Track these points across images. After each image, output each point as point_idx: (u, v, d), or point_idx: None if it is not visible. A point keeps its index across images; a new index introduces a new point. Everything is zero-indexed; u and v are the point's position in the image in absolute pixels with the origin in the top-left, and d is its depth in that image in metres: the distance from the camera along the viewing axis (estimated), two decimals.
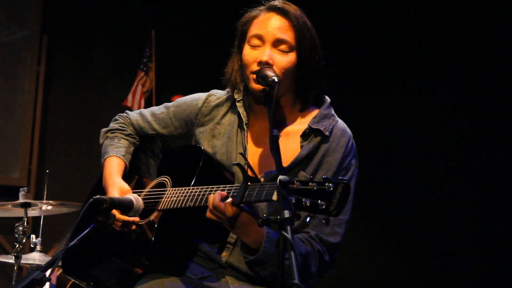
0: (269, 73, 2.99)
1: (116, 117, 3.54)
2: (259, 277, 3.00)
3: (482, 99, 7.41)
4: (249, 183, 2.73)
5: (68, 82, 7.70)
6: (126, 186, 3.20)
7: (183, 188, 3.01)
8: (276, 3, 3.19)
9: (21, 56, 7.55)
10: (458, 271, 7.29)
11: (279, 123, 3.19)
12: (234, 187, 2.81)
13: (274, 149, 2.68)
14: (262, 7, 3.21)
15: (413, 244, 7.37)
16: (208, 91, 3.45)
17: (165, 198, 3.06)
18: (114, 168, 3.31)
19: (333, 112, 3.25)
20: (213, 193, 2.85)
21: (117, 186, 3.19)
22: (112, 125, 3.50)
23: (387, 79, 7.54)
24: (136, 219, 3.05)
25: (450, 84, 7.46)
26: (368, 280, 7.42)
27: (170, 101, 3.52)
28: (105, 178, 3.28)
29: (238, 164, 2.79)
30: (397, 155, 7.40)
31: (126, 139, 3.44)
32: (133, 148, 3.43)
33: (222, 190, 2.84)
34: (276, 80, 2.94)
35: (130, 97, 7.40)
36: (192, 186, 3.00)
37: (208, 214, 2.85)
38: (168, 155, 3.47)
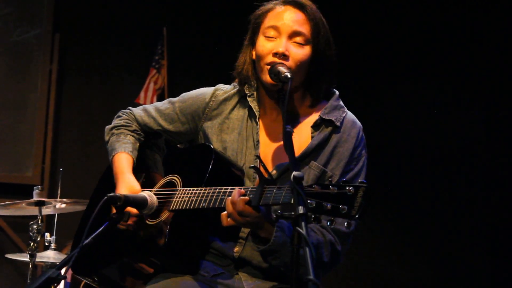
0: (282, 69, 2.99)
1: (119, 113, 3.52)
2: (271, 266, 2.99)
3: (491, 95, 7.40)
4: (265, 186, 2.72)
5: (80, 80, 7.72)
6: (136, 186, 3.18)
7: (195, 188, 2.99)
8: None
9: (34, 55, 7.57)
10: (471, 266, 7.27)
11: (290, 115, 3.18)
12: (250, 189, 2.80)
13: (288, 145, 2.68)
14: (276, 1, 3.21)
15: (427, 240, 7.37)
16: None
17: (176, 198, 3.04)
18: (124, 165, 3.29)
19: (342, 104, 3.27)
20: (227, 195, 2.84)
21: (126, 185, 3.18)
22: (117, 121, 3.48)
23: (391, 77, 7.54)
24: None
25: (458, 81, 7.45)
26: (382, 275, 7.42)
27: None
28: (116, 175, 3.26)
29: (255, 167, 2.76)
30: (412, 151, 7.39)
31: (132, 135, 3.42)
32: (138, 144, 3.41)
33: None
34: (289, 76, 2.95)
35: (142, 94, 7.41)
36: (204, 186, 2.98)
37: (229, 221, 2.81)
38: (176, 153, 3.46)
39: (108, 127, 3.50)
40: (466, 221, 7.32)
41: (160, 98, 7.35)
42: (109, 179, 3.35)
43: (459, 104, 7.43)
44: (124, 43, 7.77)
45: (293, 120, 3.20)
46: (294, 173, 2.45)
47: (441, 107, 7.42)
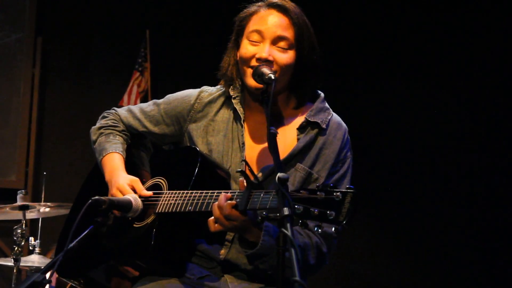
0: (266, 70, 3.00)
1: (104, 113, 3.50)
2: (258, 270, 2.99)
3: (482, 96, 7.41)
4: (252, 190, 2.72)
5: (63, 84, 7.69)
6: (136, 178, 3.18)
7: (181, 191, 2.99)
8: (275, 0, 3.18)
9: (16, 59, 7.54)
10: (460, 269, 7.29)
11: (275, 117, 3.19)
12: (237, 193, 2.80)
13: (272, 147, 2.68)
14: (261, 3, 3.21)
15: (415, 242, 7.38)
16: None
17: (162, 201, 3.04)
18: (117, 163, 3.27)
19: (327, 105, 3.27)
20: (213, 199, 2.84)
21: (126, 178, 3.17)
22: (103, 122, 3.45)
23: (383, 77, 7.55)
24: (150, 193, 3.08)
25: (450, 81, 7.47)
26: (370, 278, 7.42)
27: None
28: (111, 173, 3.24)
29: (241, 171, 2.74)
30: (399, 153, 7.40)
31: (121, 136, 3.40)
32: (126, 145, 3.39)
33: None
34: (273, 77, 2.95)
35: (125, 97, 7.40)
36: (190, 189, 2.98)
37: (217, 226, 2.82)
38: (162, 155, 3.45)
39: (94, 127, 3.47)
40: (464, 223, 7.33)
41: (144, 101, 7.33)
42: (95, 180, 3.34)
43: (458, 105, 7.44)
44: (107, 46, 7.76)
45: (278, 122, 3.21)
46: (278, 174, 2.45)
47: (440, 108, 7.42)
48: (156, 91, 7.50)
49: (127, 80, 7.49)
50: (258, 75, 3.01)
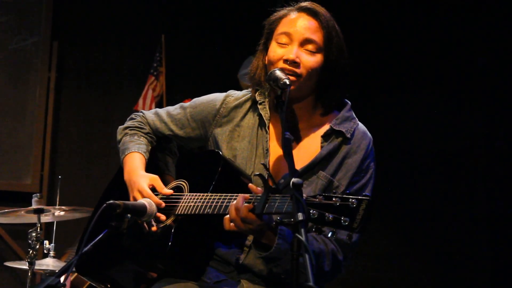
0: (281, 75, 2.98)
1: (133, 115, 3.53)
2: (272, 274, 3.00)
3: (488, 99, 7.40)
4: (270, 194, 2.71)
5: (79, 88, 7.72)
6: (155, 175, 3.20)
7: (201, 194, 3.00)
8: (305, 4, 3.19)
9: (32, 63, 7.57)
10: (469, 270, 7.27)
11: (300, 124, 3.20)
12: (255, 197, 2.79)
13: (287, 152, 2.68)
14: (291, 7, 3.21)
15: (425, 244, 7.37)
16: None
17: (182, 203, 3.05)
18: (138, 163, 3.29)
19: (354, 115, 3.26)
20: (232, 202, 2.84)
21: (146, 177, 3.18)
22: (130, 123, 3.48)
23: (391, 81, 7.54)
24: (170, 191, 3.11)
25: (455, 84, 7.46)
26: (380, 280, 7.41)
27: None
28: (129, 173, 3.26)
29: (260, 175, 2.72)
30: (410, 155, 7.40)
31: (145, 137, 3.42)
32: (151, 147, 3.41)
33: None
34: (288, 82, 2.94)
35: (141, 101, 7.41)
36: (210, 192, 2.99)
37: (232, 225, 2.81)
38: (186, 158, 3.47)
39: (121, 127, 3.50)
40: (466, 225, 7.32)
41: (159, 105, 7.38)
42: (119, 182, 3.35)
43: (459, 108, 7.43)
44: (122, 50, 7.77)
45: (303, 129, 3.20)
46: (293, 179, 2.46)
47: (441, 110, 7.41)
48: (171, 95, 7.52)
49: (142, 84, 7.50)
50: (272, 80, 3.00)
